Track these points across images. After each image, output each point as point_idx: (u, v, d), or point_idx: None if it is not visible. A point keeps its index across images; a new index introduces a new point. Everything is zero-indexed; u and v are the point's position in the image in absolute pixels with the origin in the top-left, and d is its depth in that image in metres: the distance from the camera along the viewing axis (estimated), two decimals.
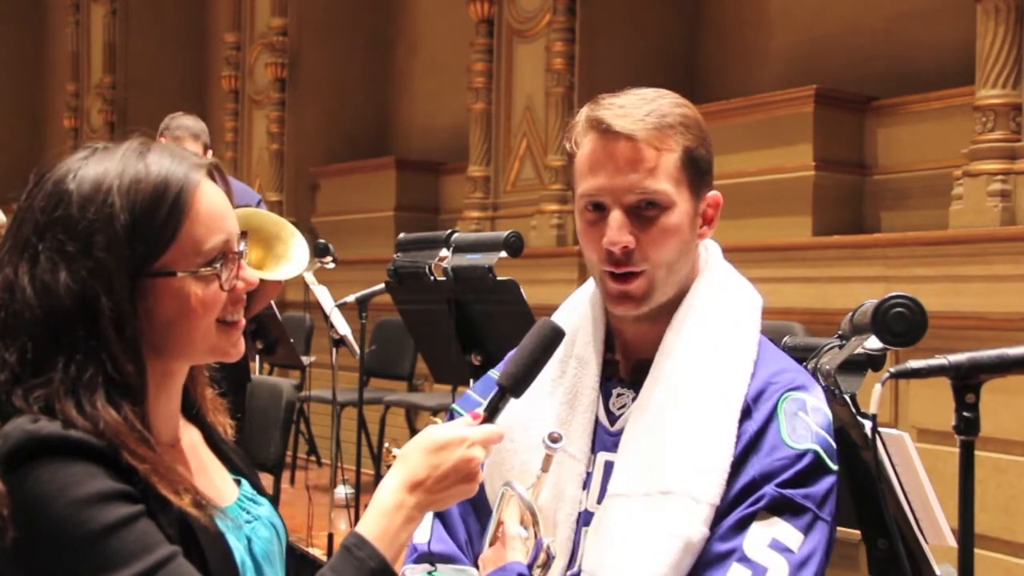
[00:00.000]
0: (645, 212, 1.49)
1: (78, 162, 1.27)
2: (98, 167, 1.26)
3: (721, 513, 1.42)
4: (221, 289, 1.29)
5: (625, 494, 1.47)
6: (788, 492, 1.41)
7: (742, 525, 1.40)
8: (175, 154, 1.29)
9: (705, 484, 1.43)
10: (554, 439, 1.42)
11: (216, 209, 1.29)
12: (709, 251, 1.61)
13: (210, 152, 5.06)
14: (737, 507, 1.42)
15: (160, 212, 1.25)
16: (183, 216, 1.26)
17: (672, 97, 1.55)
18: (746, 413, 1.47)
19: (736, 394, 1.47)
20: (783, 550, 1.38)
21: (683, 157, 1.50)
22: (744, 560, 1.38)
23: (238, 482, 1.43)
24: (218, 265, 1.28)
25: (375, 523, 1.29)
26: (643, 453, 1.48)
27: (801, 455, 1.43)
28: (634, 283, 1.51)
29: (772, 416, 1.46)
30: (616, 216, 1.49)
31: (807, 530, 1.40)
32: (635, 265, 1.50)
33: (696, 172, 1.52)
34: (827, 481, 1.44)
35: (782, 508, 1.40)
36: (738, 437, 1.45)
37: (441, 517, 1.60)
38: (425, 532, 1.58)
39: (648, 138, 1.48)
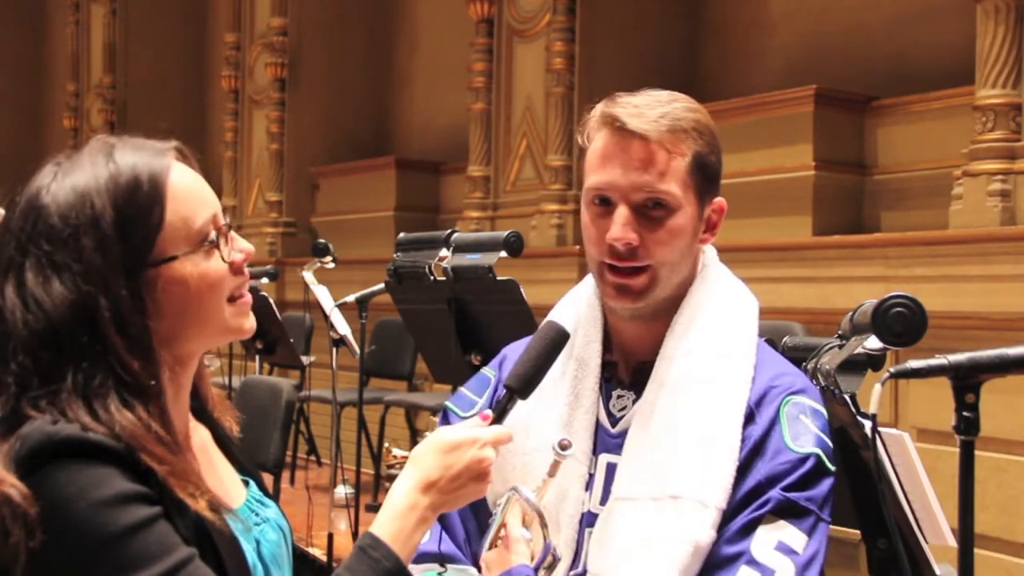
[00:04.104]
0: (652, 212, 1.51)
1: (47, 177, 1.27)
2: (70, 177, 1.26)
3: (727, 516, 1.45)
4: (223, 261, 1.30)
5: (632, 497, 1.48)
6: (793, 495, 1.44)
7: (749, 528, 1.43)
8: (137, 145, 1.31)
9: (712, 488, 1.45)
10: (564, 446, 1.42)
11: (193, 186, 1.31)
12: (707, 254, 1.62)
13: None
14: (743, 510, 1.44)
15: (140, 200, 1.25)
16: (162, 198, 1.26)
17: (686, 102, 1.56)
18: (749, 417, 1.49)
19: (739, 398, 1.49)
20: (789, 552, 1.41)
21: (693, 162, 1.52)
22: (752, 563, 1.41)
23: (246, 483, 1.43)
24: (214, 238, 1.29)
25: (389, 524, 1.29)
26: (649, 457, 1.50)
27: (804, 459, 1.46)
28: (637, 278, 1.52)
29: (775, 420, 1.48)
30: (622, 212, 1.50)
31: (811, 532, 1.43)
32: (639, 260, 1.51)
33: (704, 178, 1.54)
34: (827, 483, 1.47)
35: (787, 511, 1.43)
36: (743, 441, 1.47)
37: (440, 518, 1.59)
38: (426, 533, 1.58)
39: (661, 140, 1.49)
